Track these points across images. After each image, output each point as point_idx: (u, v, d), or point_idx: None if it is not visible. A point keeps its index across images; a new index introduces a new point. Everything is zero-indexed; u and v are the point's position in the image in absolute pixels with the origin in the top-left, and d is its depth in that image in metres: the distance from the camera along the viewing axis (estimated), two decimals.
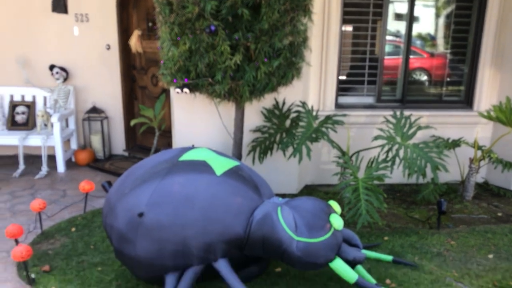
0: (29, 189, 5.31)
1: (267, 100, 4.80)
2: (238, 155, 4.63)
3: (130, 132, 6.56)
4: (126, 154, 6.58)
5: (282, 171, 4.97)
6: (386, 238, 4.01)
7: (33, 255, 3.72)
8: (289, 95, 4.80)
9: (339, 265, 2.89)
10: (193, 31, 3.91)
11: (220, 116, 4.75)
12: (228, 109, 4.76)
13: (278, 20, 3.91)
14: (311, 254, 2.83)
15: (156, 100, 6.06)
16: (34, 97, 6.38)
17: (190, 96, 4.72)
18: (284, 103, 4.76)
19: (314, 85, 5.09)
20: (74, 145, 6.44)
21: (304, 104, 4.60)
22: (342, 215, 4.18)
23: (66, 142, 6.46)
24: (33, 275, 3.41)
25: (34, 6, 6.15)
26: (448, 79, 5.46)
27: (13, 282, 3.40)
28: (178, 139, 4.85)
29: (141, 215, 2.94)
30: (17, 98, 6.37)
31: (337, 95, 5.22)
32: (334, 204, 3.11)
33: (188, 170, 3.11)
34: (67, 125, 6.42)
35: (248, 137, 4.85)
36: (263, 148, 4.64)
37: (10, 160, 6.42)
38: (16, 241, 3.59)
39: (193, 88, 4.12)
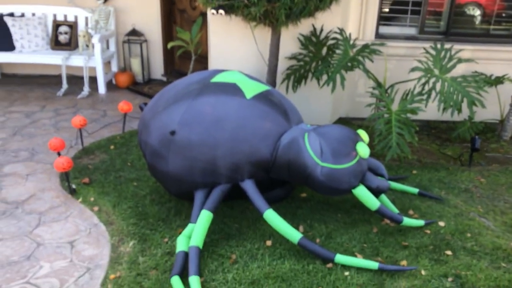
0: (72, 107, 5.55)
1: (304, 27, 4.73)
2: (272, 83, 4.66)
3: (168, 56, 6.65)
4: (164, 79, 6.71)
5: (315, 101, 4.98)
6: (414, 172, 4.05)
7: (74, 169, 3.97)
8: (327, 21, 4.72)
9: (362, 192, 2.97)
10: None
11: (256, 41, 4.75)
12: (264, 34, 4.73)
13: None
14: (334, 180, 2.91)
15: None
16: (76, 17, 6.50)
17: (226, 20, 4.71)
18: (322, 30, 4.69)
19: (355, 12, 4.97)
20: (114, 68, 6.60)
21: (342, 31, 4.52)
22: (371, 147, 4.20)
23: (107, 64, 6.61)
24: (73, 186, 3.67)
25: None
26: (500, 11, 5.20)
27: (56, 191, 3.67)
28: (214, 64, 4.90)
29: (173, 133, 3.07)
30: (60, 18, 6.50)
31: (378, 24, 5.08)
32: (362, 133, 3.14)
33: (219, 91, 3.18)
34: (107, 47, 6.55)
35: (283, 65, 4.85)
36: (297, 76, 4.65)
37: (54, 79, 6.67)
38: (59, 154, 3.82)
39: (229, 10, 4.10)
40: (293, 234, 2.83)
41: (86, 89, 6.01)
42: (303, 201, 3.53)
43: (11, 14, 6.43)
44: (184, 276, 2.64)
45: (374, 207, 2.97)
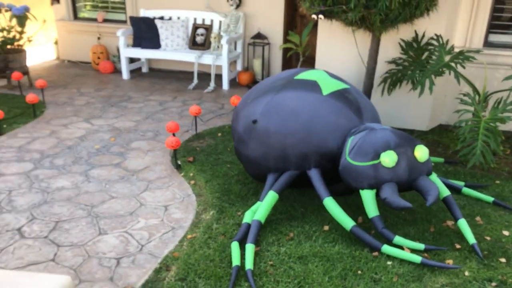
0: (197, 100, 6.23)
1: (407, 32, 4.76)
2: (369, 85, 4.79)
3: (286, 58, 7.04)
4: None
5: (413, 106, 4.97)
6: (498, 181, 3.89)
7: (184, 149, 4.55)
8: (431, 27, 4.69)
9: (365, 197, 2.99)
10: None
11: (357, 45, 4.90)
12: (365, 39, 4.87)
13: None
14: (346, 173, 3.05)
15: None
16: (212, 21, 7.22)
17: (331, 25, 4.94)
18: (423, 36, 4.68)
19: (463, 20, 4.84)
20: (239, 67, 7.20)
21: (439, 37, 4.47)
22: (453, 153, 4.09)
23: (233, 63, 7.24)
24: (179, 162, 4.24)
25: None
26: None
27: (165, 165, 4.27)
28: (319, 65, 5.17)
29: (254, 122, 3.44)
30: (199, 21, 7.28)
31: (488, 32, 4.88)
32: (420, 148, 3.02)
33: (299, 87, 3.47)
34: (235, 48, 7.16)
35: (383, 68, 4.93)
36: (393, 80, 4.70)
37: (190, 75, 7.48)
38: (173, 135, 4.44)
39: (329, 15, 4.34)
40: (347, 222, 3.01)
41: (212, 84, 6.67)
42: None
43: (161, 18, 7.37)
44: (243, 243, 2.99)
45: (369, 215, 2.98)
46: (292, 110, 3.35)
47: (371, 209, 2.99)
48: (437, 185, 3.12)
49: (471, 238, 2.93)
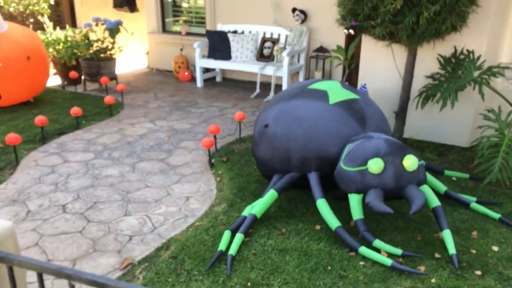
0: (255, 108, 6.59)
1: (446, 47, 4.70)
2: (404, 98, 4.80)
3: (345, 71, 7.13)
4: None
5: (453, 121, 4.86)
6: None
7: (224, 150, 4.92)
8: (472, 43, 4.59)
9: (351, 201, 3.12)
10: None
11: (394, 59, 4.93)
12: (403, 53, 4.88)
13: None
14: (338, 177, 3.20)
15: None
16: (278, 35, 7.57)
17: (373, 39, 5.00)
18: (462, 51, 4.59)
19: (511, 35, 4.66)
20: (301, 78, 7.44)
21: (470, 52, 4.38)
22: (470, 168, 3.95)
23: (296, 74, 7.50)
24: (213, 161, 4.62)
25: None
26: None
27: (201, 163, 4.68)
28: (362, 77, 5.27)
29: (266, 126, 3.70)
30: (268, 35, 7.66)
31: None
32: (408, 157, 3.07)
33: (309, 96, 3.67)
34: (298, 61, 7.43)
35: (423, 83, 4.90)
36: (427, 94, 4.67)
37: (254, 85, 7.88)
38: (215, 137, 4.84)
39: (359, 30, 4.47)
40: (333, 222, 3.16)
41: (271, 94, 6.99)
42: None
43: (235, 32, 7.88)
44: (236, 233, 3.27)
45: (353, 218, 3.09)
46: (298, 117, 3.56)
47: (356, 212, 3.11)
48: (426, 195, 3.14)
49: (451, 249, 2.93)
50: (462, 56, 4.61)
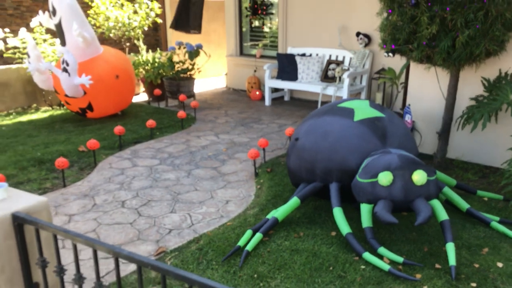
0: None
1: (492, 70, 4.67)
2: (447, 120, 4.83)
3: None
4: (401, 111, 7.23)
5: (499, 143, 4.76)
6: None
7: (271, 162, 5.27)
8: None
9: (363, 209, 3.32)
10: (401, 4, 4.41)
11: (438, 81, 4.97)
12: (447, 75, 4.90)
13: None
14: (353, 187, 3.41)
15: None
16: (343, 58, 7.80)
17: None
18: (506, 74, 4.54)
19: None
20: (362, 98, 7.57)
21: (501, 75, 4.32)
22: (496, 187, 3.92)
23: (358, 95, 7.64)
24: (258, 171, 4.98)
25: None
26: None
27: (248, 172, 5.06)
28: (410, 98, 5.35)
29: (297, 139, 4.00)
30: (333, 58, 7.92)
31: None
32: (418, 172, 3.21)
33: (336, 113, 3.92)
34: (360, 82, 7.58)
35: (468, 104, 4.88)
36: (468, 116, 4.65)
37: (315, 104, 8.12)
38: (264, 150, 5.22)
39: (399, 53, 4.61)
40: (344, 229, 3.36)
41: None
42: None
43: (303, 54, 8.24)
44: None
45: (363, 225, 3.32)
46: (324, 132, 3.82)
47: (366, 221, 3.30)
48: (434, 209, 3.24)
49: (452, 260, 3.00)
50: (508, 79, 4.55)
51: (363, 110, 3.90)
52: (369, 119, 3.80)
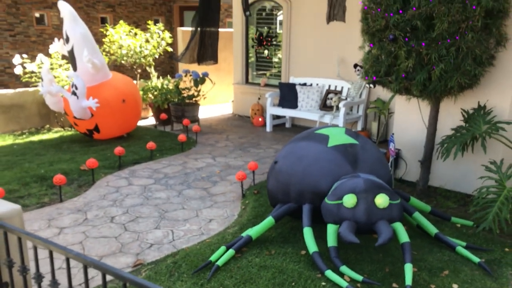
0: None
1: (471, 102, 4.79)
2: (428, 149, 4.93)
3: None
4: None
5: (480, 172, 4.83)
6: (507, 249, 3.68)
7: (260, 185, 5.42)
8: (494, 98, 4.65)
9: (329, 229, 3.44)
10: (381, 39, 4.60)
11: (420, 111, 5.10)
12: (428, 106, 5.03)
13: (446, 30, 4.13)
14: (322, 208, 3.54)
15: None
16: (341, 88, 7.99)
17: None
18: (484, 106, 4.66)
19: None
20: (359, 127, 7.72)
21: (480, 107, 4.44)
22: (466, 214, 3.95)
23: (355, 123, 7.79)
24: (244, 192, 5.13)
25: (348, 23, 7.62)
26: None
27: (236, 194, 5.22)
28: (396, 127, 5.49)
29: (275, 162, 4.17)
30: (332, 87, 8.12)
31: None
32: (380, 196, 3.34)
33: (312, 139, 4.08)
34: (357, 111, 7.74)
35: (449, 133, 4.98)
36: (445, 146, 4.75)
37: None
38: (253, 172, 5.38)
39: (379, 84, 4.78)
40: (311, 247, 3.48)
41: None
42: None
43: (304, 84, 8.46)
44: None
45: (328, 244, 3.42)
46: (300, 156, 3.99)
47: (331, 240, 3.42)
48: (396, 232, 3.34)
49: (408, 280, 3.09)
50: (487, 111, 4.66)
51: (337, 136, 4.05)
52: (343, 145, 3.95)
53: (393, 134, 5.19)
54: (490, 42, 4.34)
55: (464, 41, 4.09)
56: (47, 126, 8.41)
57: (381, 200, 3.31)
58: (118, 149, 5.98)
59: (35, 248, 2.17)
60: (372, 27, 4.59)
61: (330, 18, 5.97)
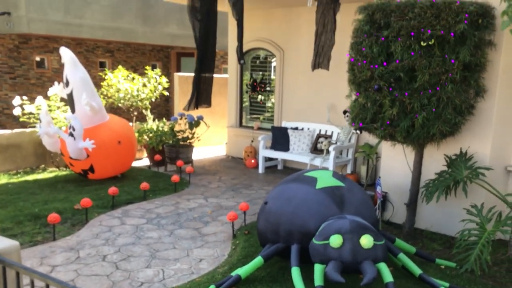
0: None
1: (454, 148, 4.98)
2: (414, 193, 5.08)
3: None
4: None
5: (464, 215, 4.96)
6: None
7: (250, 225, 5.50)
8: (476, 144, 4.84)
9: (316, 269, 3.52)
10: (366, 89, 4.83)
11: (406, 156, 5.28)
12: (412, 151, 5.21)
13: (427, 81, 4.37)
14: (309, 248, 3.63)
15: None
16: (332, 132, 8.21)
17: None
18: (466, 153, 4.84)
19: None
20: (348, 171, 7.88)
21: (462, 153, 4.62)
22: (449, 256, 4.05)
23: (344, 167, 7.96)
24: (235, 233, 5.21)
25: (338, 71, 7.90)
26: None
27: (227, 234, 5.29)
28: (383, 171, 5.65)
29: (265, 203, 4.29)
30: (323, 132, 8.34)
31: None
32: (365, 237, 3.48)
33: (301, 181, 4.22)
34: (347, 155, 7.92)
35: (431, 177, 5.14)
36: (428, 190, 4.89)
37: None
38: (244, 213, 5.48)
39: (366, 130, 4.97)
40: (299, 287, 3.55)
41: None
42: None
43: (296, 128, 8.68)
44: None
45: (315, 283, 3.48)
46: (289, 197, 4.11)
47: (317, 279, 3.50)
48: (381, 272, 3.43)
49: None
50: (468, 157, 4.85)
51: (325, 179, 4.20)
52: (330, 187, 4.09)
53: (379, 177, 5.35)
54: (470, 93, 4.58)
55: (444, 91, 4.33)
56: (42, 166, 8.50)
57: (366, 241, 3.42)
58: (112, 189, 6.07)
59: (32, 283, 2.25)
60: (359, 77, 4.83)
61: (315, 66, 6.25)
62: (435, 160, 5.17)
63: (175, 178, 6.98)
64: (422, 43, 4.37)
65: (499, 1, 4.10)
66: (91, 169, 7.19)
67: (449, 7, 4.28)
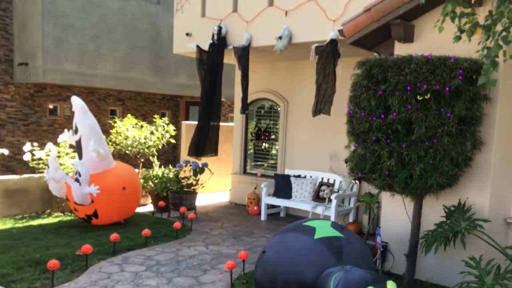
0: None
1: (453, 199, 4.91)
2: (413, 243, 4.97)
3: None
4: None
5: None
6: None
7: (249, 274, 5.37)
8: (474, 196, 4.78)
9: None
10: (365, 140, 4.84)
11: (405, 207, 5.20)
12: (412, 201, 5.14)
13: (424, 134, 4.38)
14: None
15: None
16: (334, 181, 8.16)
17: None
18: (464, 204, 4.77)
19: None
20: (350, 219, 7.77)
21: (460, 205, 4.55)
22: None
23: (346, 215, 7.85)
24: (233, 282, 5.09)
25: (341, 122, 7.95)
26: None
27: (225, 283, 5.17)
28: (383, 221, 5.56)
29: (264, 252, 4.21)
30: (325, 180, 8.30)
31: None
32: (390, 283, 3.41)
33: (299, 231, 4.16)
34: (349, 204, 7.83)
35: (431, 227, 5.04)
36: (428, 241, 4.78)
37: None
38: (243, 261, 5.37)
39: (364, 180, 4.94)
40: None
41: None
42: None
43: (298, 176, 8.65)
44: None
45: None
46: (287, 247, 4.04)
47: None
48: None
49: None
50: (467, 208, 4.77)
51: (323, 229, 4.14)
52: (328, 237, 4.03)
53: (379, 227, 5.26)
54: (467, 145, 4.57)
55: (441, 144, 4.33)
56: (48, 211, 8.48)
57: (392, 285, 3.32)
58: (114, 236, 6.01)
59: None
60: (357, 129, 4.85)
61: (316, 112, 6.32)
62: (434, 210, 5.09)
63: (177, 225, 6.92)
64: (418, 97, 4.42)
65: None
66: (95, 214, 7.16)
67: (444, 64, 4.35)
